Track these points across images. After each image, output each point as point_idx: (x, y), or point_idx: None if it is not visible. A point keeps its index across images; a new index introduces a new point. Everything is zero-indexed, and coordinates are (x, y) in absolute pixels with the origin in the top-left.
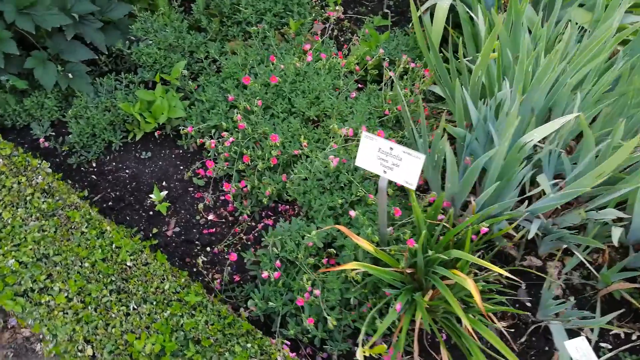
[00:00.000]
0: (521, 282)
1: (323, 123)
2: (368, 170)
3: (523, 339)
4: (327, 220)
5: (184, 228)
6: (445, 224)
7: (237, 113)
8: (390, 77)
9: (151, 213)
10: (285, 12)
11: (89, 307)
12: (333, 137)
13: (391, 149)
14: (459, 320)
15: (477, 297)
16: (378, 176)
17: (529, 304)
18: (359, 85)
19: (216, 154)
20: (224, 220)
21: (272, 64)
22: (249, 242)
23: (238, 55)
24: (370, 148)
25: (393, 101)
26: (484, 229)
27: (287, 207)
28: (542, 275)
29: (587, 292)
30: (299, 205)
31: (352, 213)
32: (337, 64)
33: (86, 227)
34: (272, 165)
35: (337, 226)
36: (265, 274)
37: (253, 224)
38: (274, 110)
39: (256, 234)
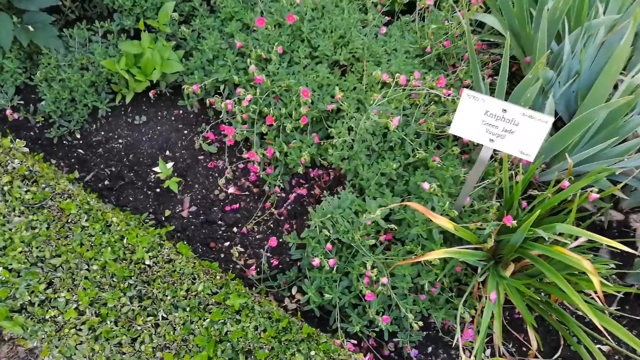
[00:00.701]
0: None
1: (353, 68)
2: (468, 139)
3: (613, 307)
4: (381, 190)
5: (202, 206)
6: (548, 194)
7: (249, 63)
8: (427, 5)
9: (158, 190)
10: None
11: (108, 321)
12: (367, 85)
13: (504, 111)
14: (539, 291)
15: (597, 284)
16: (439, 130)
17: (612, 266)
18: (387, 18)
19: (227, 114)
20: (247, 192)
21: None
22: (282, 218)
23: None
24: (474, 111)
25: (435, 35)
26: (593, 195)
27: (321, 172)
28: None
29: None
30: (337, 170)
31: (425, 185)
32: None
33: (86, 220)
34: (301, 125)
35: (408, 203)
36: (316, 262)
37: (283, 194)
38: (294, 56)
39: (289, 207)
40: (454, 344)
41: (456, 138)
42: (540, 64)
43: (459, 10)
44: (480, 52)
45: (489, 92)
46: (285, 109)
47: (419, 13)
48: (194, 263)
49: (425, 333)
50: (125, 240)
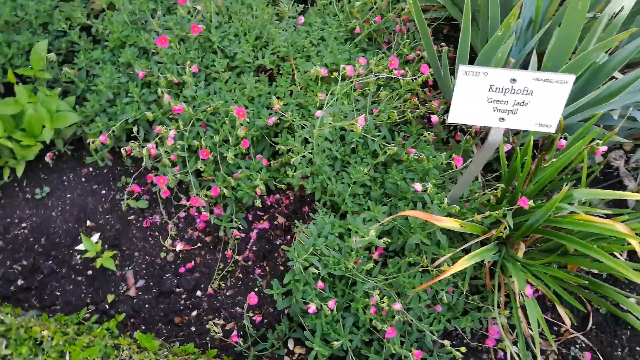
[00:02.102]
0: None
1: (281, 70)
2: (474, 124)
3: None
4: (358, 200)
5: (151, 277)
6: (552, 159)
7: (161, 92)
8: None
9: (91, 273)
10: None
11: None
12: (302, 86)
13: (513, 80)
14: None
15: (637, 247)
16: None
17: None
18: (301, 6)
19: (149, 159)
20: (199, 244)
21: (182, 7)
22: (249, 263)
23: (120, 11)
24: (475, 88)
25: (361, 13)
26: (601, 149)
27: (278, 196)
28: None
29: None
30: (297, 190)
31: (418, 187)
32: None
33: (7, 347)
34: (242, 150)
35: (409, 212)
36: (312, 308)
37: (242, 235)
38: (211, 71)
39: (254, 248)
40: (492, 353)
41: (421, 121)
42: (512, 16)
43: None
44: (410, 20)
45: (447, 62)
46: (218, 136)
47: None
48: (166, 355)
49: (448, 343)
50: (68, 357)
